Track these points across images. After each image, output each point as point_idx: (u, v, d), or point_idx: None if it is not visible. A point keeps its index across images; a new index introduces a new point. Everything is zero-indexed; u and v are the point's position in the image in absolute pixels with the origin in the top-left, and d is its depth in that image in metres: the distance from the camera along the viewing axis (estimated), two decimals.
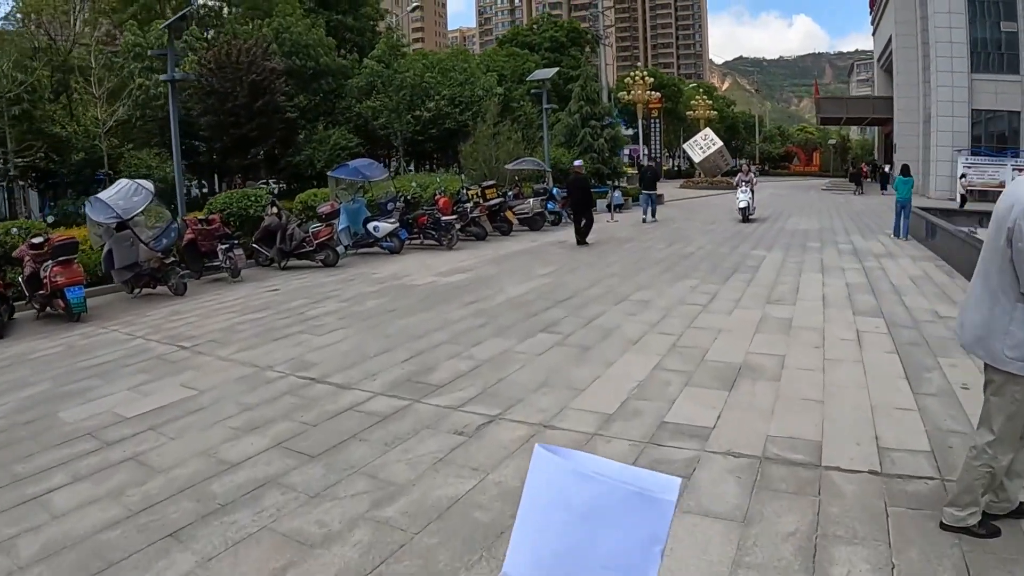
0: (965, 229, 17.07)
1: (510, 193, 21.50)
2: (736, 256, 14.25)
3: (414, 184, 20.43)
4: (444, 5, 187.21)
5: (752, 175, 24.16)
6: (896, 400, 5.44)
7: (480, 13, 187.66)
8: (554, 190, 22.06)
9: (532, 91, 32.10)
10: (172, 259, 12.84)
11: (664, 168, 67.88)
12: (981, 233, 17.01)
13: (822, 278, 11.33)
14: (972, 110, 38.19)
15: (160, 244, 12.32)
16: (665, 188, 45.65)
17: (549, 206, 21.14)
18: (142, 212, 12.26)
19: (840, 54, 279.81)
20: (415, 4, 53.39)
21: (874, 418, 5.05)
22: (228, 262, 13.47)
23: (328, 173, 17.78)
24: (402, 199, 17.81)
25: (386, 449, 4.79)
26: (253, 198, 16.66)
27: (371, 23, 49.94)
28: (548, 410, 5.43)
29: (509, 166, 22.66)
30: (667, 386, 5.88)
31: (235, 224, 15.86)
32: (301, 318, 9.32)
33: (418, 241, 17.36)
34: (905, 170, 17.85)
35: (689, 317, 8.47)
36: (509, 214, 19.25)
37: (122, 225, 11.92)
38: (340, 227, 16.47)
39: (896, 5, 44.57)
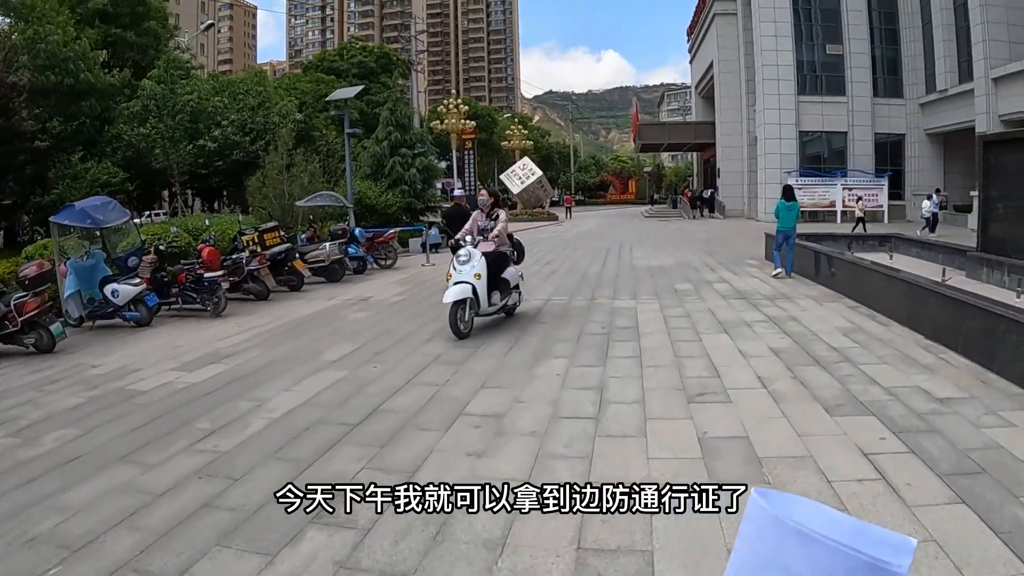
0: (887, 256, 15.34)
1: (303, 236, 17.86)
2: (599, 310, 11.41)
3: (174, 229, 16.19)
4: (254, 37, 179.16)
5: (497, 219, 10.27)
6: None
7: (291, 45, 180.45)
8: (356, 230, 18.48)
9: (333, 113, 28.21)
10: None
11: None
12: (898, 260, 15.03)
13: (733, 343, 8.68)
14: (800, 132, 38.94)
15: None
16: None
17: (351, 251, 17.57)
18: None
19: (647, 87, 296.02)
20: (209, 22, 48.06)
21: None
22: None
23: (51, 219, 13.31)
24: (152, 250, 13.70)
25: None
26: None
27: (157, 41, 43.95)
28: None
29: (301, 203, 18.96)
30: None
31: None
32: None
33: (178, 306, 13.20)
34: (788, 192, 15.03)
35: (582, 453, 5.16)
36: (299, 264, 15.50)
37: None
38: (67, 292, 12.18)
39: (718, 31, 45.44)
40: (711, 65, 48.36)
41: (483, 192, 11.11)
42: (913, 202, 38.97)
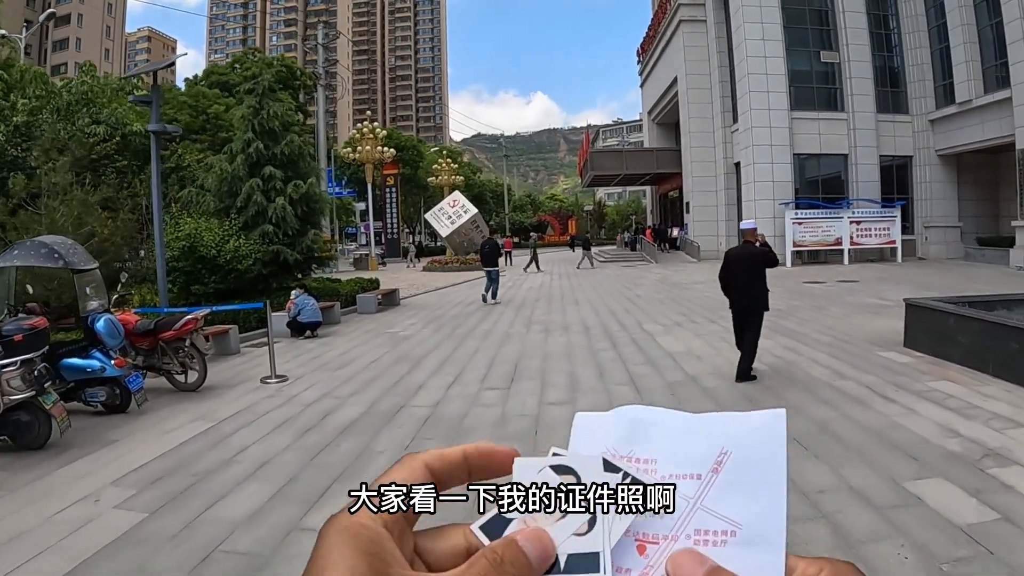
0: None
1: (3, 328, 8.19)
2: None
3: None
4: (174, 72, 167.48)
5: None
6: None
7: None
8: (100, 322, 8.06)
9: (131, 99, 17.75)
10: None
11: (404, 246, 56.43)
12: None
13: None
14: (795, 154, 31.45)
15: None
16: (399, 272, 34.17)
17: (87, 365, 7.66)
18: None
19: (574, 129, 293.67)
20: (50, 11, 37.70)
21: None
22: None
23: None
24: None
25: None
26: None
27: None
28: None
29: None
30: None
31: None
32: None
33: None
34: None
35: None
36: None
37: None
38: None
39: (685, 41, 37.49)
40: (673, 83, 40.45)
41: None
42: (925, 235, 32.44)
